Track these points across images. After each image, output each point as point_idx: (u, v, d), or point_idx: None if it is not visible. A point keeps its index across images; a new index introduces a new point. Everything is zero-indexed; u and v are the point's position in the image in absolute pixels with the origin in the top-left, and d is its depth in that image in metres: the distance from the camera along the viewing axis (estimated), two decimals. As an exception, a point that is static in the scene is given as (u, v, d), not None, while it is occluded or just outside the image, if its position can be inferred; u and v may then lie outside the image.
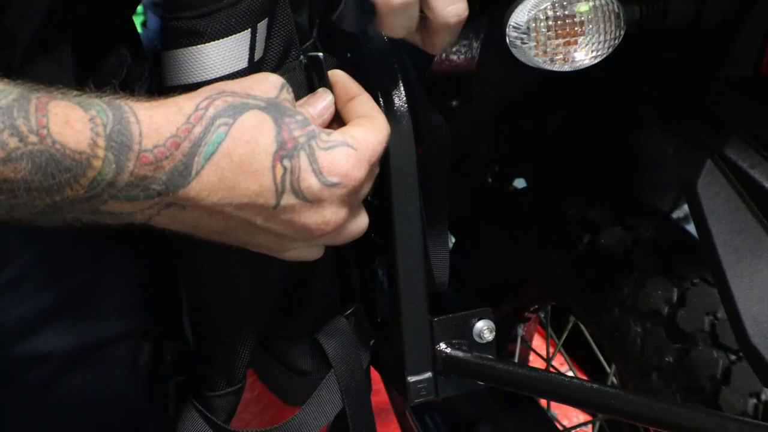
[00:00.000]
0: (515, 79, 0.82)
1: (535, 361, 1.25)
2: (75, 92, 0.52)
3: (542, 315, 1.17)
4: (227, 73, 0.59)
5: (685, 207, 0.95)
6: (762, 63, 0.71)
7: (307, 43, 0.69)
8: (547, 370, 1.15)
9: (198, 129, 0.54)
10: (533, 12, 0.63)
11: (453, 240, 1.12)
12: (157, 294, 0.81)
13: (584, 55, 0.65)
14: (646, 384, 0.83)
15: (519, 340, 1.18)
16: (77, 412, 0.80)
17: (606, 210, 0.90)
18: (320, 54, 0.67)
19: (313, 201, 0.58)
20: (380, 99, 0.71)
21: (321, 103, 0.64)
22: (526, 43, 0.64)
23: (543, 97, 0.96)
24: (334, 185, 0.58)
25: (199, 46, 0.58)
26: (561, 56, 0.65)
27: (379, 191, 0.73)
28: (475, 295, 1.03)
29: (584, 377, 1.27)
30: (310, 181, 0.57)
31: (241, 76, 0.60)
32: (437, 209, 0.77)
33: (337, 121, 0.66)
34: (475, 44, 0.81)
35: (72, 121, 0.50)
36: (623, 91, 0.87)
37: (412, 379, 0.77)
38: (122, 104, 0.52)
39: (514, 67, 0.67)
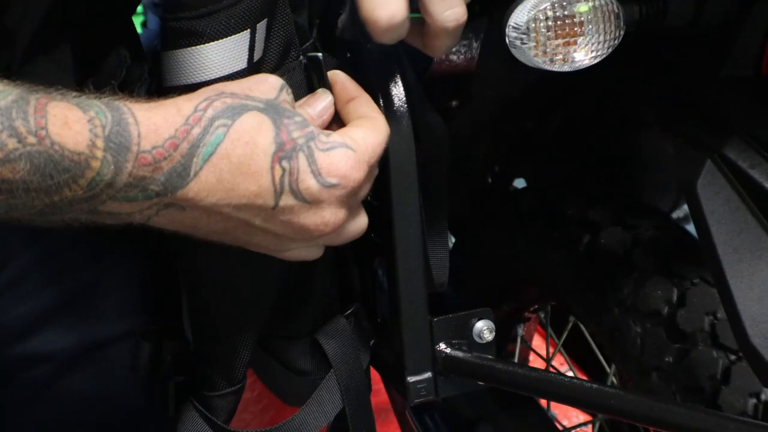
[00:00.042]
0: (515, 79, 0.82)
1: (535, 361, 1.25)
2: (74, 93, 0.52)
3: (542, 315, 1.17)
4: (226, 73, 0.59)
5: (685, 207, 0.95)
6: (762, 63, 0.71)
7: (307, 44, 0.69)
8: (547, 370, 1.15)
9: (196, 130, 0.54)
10: (533, 12, 0.63)
11: (453, 240, 1.12)
12: (157, 294, 0.81)
13: (584, 55, 0.65)
14: (646, 384, 0.83)
15: (519, 340, 1.18)
16: (77, 411, 0.80)
17: (606, 210, 0.90)
18: (320, 54, 0.67)
19: (311, 202, 0.58)
20: (380, 99, 0.71)
21: (320, 103, 0.64)
22: (525, 44, 0.64)
23: (543, 97, 0.96)
24: (332, 186, 0.58)
25: (198, 46, 0.58)
26: (561, 56, 0.65)
27: (378, 192, 0.73)
28: (475, 295, 1.03)
29: (584, 377, 1.27)
30: (309, 182, 0.57)
31: (241, 76, 0.60)
32: (437, 209, 0.77)
33: (337, 121, 0.66)
34: (475, 44, 0.81)
35: (71, 122, 0.50)
36: (623, 91, 0.87)
37: (411, 379, 0.77)
38: (121, 105, 0.52)
39: (514, 67, 0.67)
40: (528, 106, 0.98)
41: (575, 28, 0.64)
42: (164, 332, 0.80)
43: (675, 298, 0.82)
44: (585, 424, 1.28)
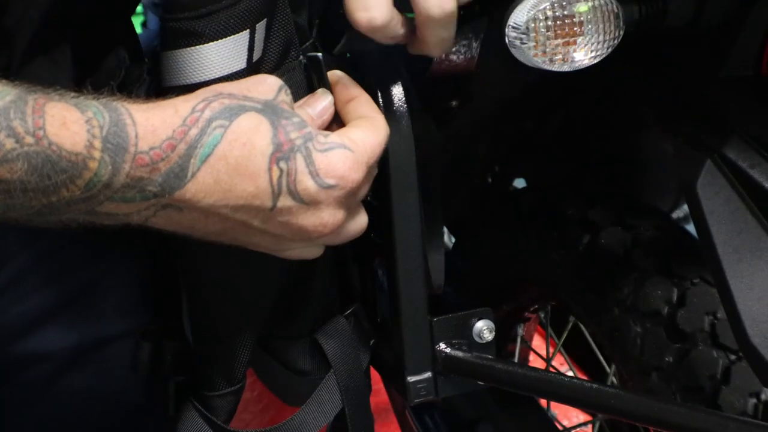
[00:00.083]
0: (515, 79, 0.82)
1: (535, 361, 1.25)
2: (72, 94, 0.52)
3: (542, 315, 1.17)
4: (226, 73, 0.59)
5: (685, 207, 0.95)
6: (762, 63, 0.71)
7: (307, 43, 0.69)
8: (547, 370, 1.15)
9: (194, 131, 0.54)
10: (532, 12, 0.63)
11: (453, 240, 1.12)
12: (157, 294, 0.81)
13: (584, 55, 0.65)
14: (646, 384, 0.83)
15: (519, 340, 1.18)
16: (77, 411, 0.80)
17: (606, 210, 0.90)
18: (319, 54, 0.67)
19: (309, 203, 0.58)
20: (380, 99, 0.71)
21: (320, 103, 0.64)
22: (525, 43, 0.64)
23: (543, 97, 0.96)
24: (330, 187, 0.58)
25: (197, 46, 0.58)
26: (560, 56, 0.65)
27: (378, 191, 0.73)
28: (475, 295, 1.03)
29: (584, 377, 1.27)
30: (307, 183, 0.57)
31: (240, 76, 0.60)
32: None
33: (337, 121, 0.66)
34: (475, 44, 0.81)
35: (68, 123, 0.50)
36: (623, 91, 0.87)
37: (411, 379, 0.77)
38: (119, 106, 0.52)
39: (514, 67, 0.67)
40: (528, 106, 0.98)
41: (575, 28, 0.64)
42: (164, 332, 0.80)
43: (675, 298, 0.82)
44: (585, 424, 1.28)
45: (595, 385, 0.73)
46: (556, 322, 1.19)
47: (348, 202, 0.60)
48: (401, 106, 0.71)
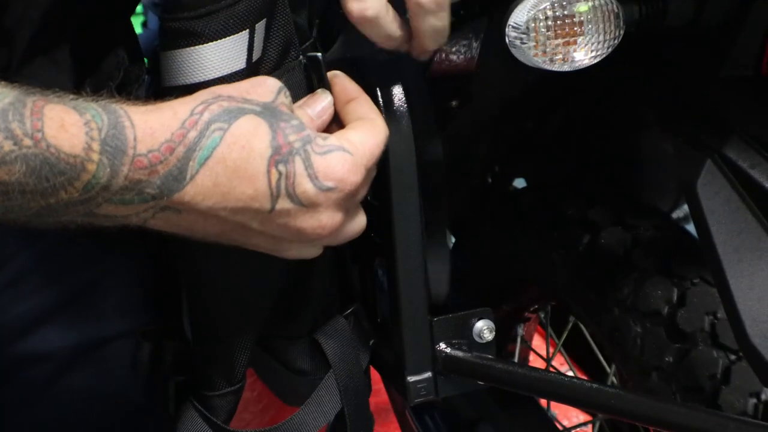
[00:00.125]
0: (515, 79, 0.82)
1: (535, 361, 1.25)
2: (71, 96, 0.52)
3: (542, 315, 1.17)
4: (225, 73, 0.59)
5: (685, 207, 0.95)
6: (762, 63, 0.71)
7: (307, 43, 0.69)
8: (547, 370, 1.15)
9: (193, 134, 0.54)
10: (532, 12, 0.63)
11: (453, 240, 1.12)
12: (157, 294, 0.81)
13: (584, 55, 0.65)
14: (646, 384, 0.83)
15: (519, 340, 1.18)
16: (77, 411, 0.80)
17: (606, 210, 0.90)
18: (319, 54, 0.67)
19: (308, 205, 0.58)
20: (380, 100, 0.70)
21: (320, 104, 0.64)
22: (525, 43, 0.64)
23: (543, 97, 0.96)
24: (329, 190, 0.58)
25: (197, 46, 0.58)
26: (560, 56, 0.65)
27: (378, 191, 0.73)
28: (475, 295, 1.03)
29: (584, 377, 1.27)
30: (306, 186, 0.57)
31: (239, 76, 0.60)
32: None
33: (336, 122, 0.66)
34: (475, 44, 0.81)
35: (67, 125, 0.50)
36: (623, 91, 0.87)
37: (412, 379, 0.77)
38: (118, 108, 0.52)
39: (514, 67, 0.67)
40: (528, 106, 0.98)
41: (575, 28, 0.64)
42: (164, 332, 0.80)
43: (675, 298, 0.82)
44: (585, 424, 1.28)
45: (595, 385, 0.72)
46: (556, 322, 1.19)
47: (346, 204, 0.60)
48: (401, 106, 0.71)
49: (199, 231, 0.58)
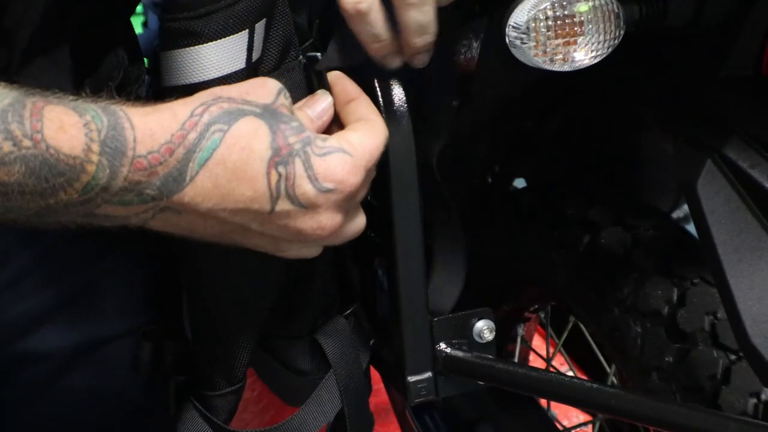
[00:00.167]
0: (515, 79, 0.82)
1: (535, 361, 1.25)
2: (71, 97, 0.52)
3: (542, 315, 1.17)
4: (225, 73, 0.59)
5: (685, 207, 0.95)
6: (762, 63, 0.71)
7: (307, 43, 0.69)
8: (547, 370, 1.15)
9: (193, 135, 0.54)
10: (533, 12, 0.63)
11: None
12: (157, 294, 0.81)
13: (584, 55, 0.65)
14: (646, 384, 0.83)
15: (519, 340, 1.18)
16: (77, 410, 0.80)
17: (606, 210, 0.90)
18: (319, 54, 0.67)
19: (308, 207, 0.58)
20: (380, 100, 0.70)
21: (320, 105, 0.64)
22: (525, 43, 0.64)
23: (543, 97, 0.96)
24: (329, 191, 0.58)
25: (196, 46, 0.58)
26: (561, 56, 0.65)
27: (378, 191, 0.73)
28: (475, 295, 1.03)
29: (584, 377, 1.27)
30: (305, 188, 0.57)
31: (239, 76, 0.60)
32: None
33: (336, 122, 0.66)
34: (475, 44, 0.81)
35: (66, 126, 0.50)
36: (623, 91, 0.87)
37: (412, 378, 0.77)
38: (117, 110, 0.52)
39: (514, 67, 0.67)
40: (528, 106, 0.98)
41: (575, 28, 0.64)
42: (165, 332, 0.80)
43: (675, 298, 0.82)
44: (585, 424, 1.28)
45: (595, 385, 0.72)
46: (556, 322, 1.19)
47: (346, 205, 0.60)
48: (401, 106, 0.71)
49: (198, 231, 0.58)
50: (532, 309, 1.13)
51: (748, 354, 0.64)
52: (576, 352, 1.25)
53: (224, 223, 0.58)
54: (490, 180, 1.11)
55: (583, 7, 0.64)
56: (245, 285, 0.72)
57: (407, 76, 0.72)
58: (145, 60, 0.79)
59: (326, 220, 0.59)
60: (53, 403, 0.78)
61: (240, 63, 0.60)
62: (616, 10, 0.65)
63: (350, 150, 0.59)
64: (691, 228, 0.79)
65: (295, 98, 0.64)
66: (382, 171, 0.68)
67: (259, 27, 0.60)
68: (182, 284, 0.75)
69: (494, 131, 0.99)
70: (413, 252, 0.75)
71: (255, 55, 0.61)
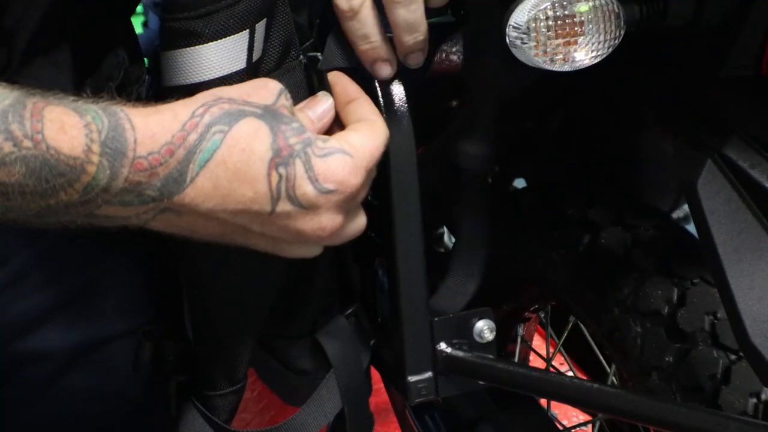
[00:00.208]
0: (515, 79, 0.82)
1: (535, 361, 1.25)
2: (71, 97, 0.52)
3: (542, 315, 1.17)
4: (225, 73, 0.59)
5: (685, 207, 0.95)
6: (762, 63, 0.71)
7: (307, 43, 0.69)
8: (547, 370, 1.15)
9: (193, 136, 0.54)
10: (533, 12, 0.63)
11: (453, 240, 1.12)
12: (157, 294, 0.81)
13: (584, 55, 0.65)
14: (646, 384, 0.83)
15: (519, 340, 1.18)
16: (77, 410, 0.80)
17: (606, 210, 0.90)
18: (319, 54, 0.67)
19: (308, 208, 0.58)
20: (380, 100, 0.70)
21: (321, 106, 0.64)
22: (526, 43, 0.64)
23: (543, 97, 0.96)
24: (329, 192, 0.58)
25: (197, 46, 0.58)
26: (561, 56, 0.65)
27: (379, 191, 0.73)
28: (476, 295, 1.03)
29: (584, 377, 1.27)
30: (306, 189, 0.57)
31: (240, 76, 0.60)
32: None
33: (337, 122, 0.66)
34: (474, 45, 0.81)
35: (67, 127, 0.50)
36: (623, 91, 0.87)
37: (412, 378, 0.77)
38: (118, 110, 0.53)
39: (515, 67, 0.67)
40: (528, 106, 0.98)
41: (575, 28, 0.64)
42: (165, 332, 0.80)
43: (675, 298, 0.82)
44: (585, 424, 1.28)
45: (595, 385, 0.73)
46: (556, 322, 1.19)
47: (347, 206, 0.61)
48: (401, 106, 0.71)
49: (199, 232, 0.58)
50: (532, 309, 1.13)
51: (748, 354, 0.64)
52: (576, 352, 1.25)
53: (225, 223, 0.58)
54: (490, 180, 1.11)
55: (583, 7, 0.64)
56: (246, 285, 0.72)
57: (408, 76, 0.72)
58: (146, 60, 0.79)
59: (327, 221, 0.59)
60: (53, 403, 0.78)
61: (240, 63, 0.60)
62: (617, 10, 0.65)
63: (351, 151, 0.59)
64: (691, 228, 0.79)
65: (296, 98, 0.64)
66: (382, 171, 0.68)
67: (260, 27, 0.61)
68: (183, 284, 0.75)
69: (494, 131, 0.99)
70: (413, 252, 0.75)
71: (255, 55, 0.61)
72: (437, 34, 0.71)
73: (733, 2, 0.69)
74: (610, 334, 0.87)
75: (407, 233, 0.74)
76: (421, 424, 1.13)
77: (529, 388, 0.78)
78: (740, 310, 0.64)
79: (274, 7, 0.62)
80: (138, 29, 1.56)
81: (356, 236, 0.65)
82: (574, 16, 0.64)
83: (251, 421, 1.59)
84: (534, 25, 0.63)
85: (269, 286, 0.73)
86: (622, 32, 0.66)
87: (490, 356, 0.79)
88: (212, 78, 0.59)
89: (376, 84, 0.71)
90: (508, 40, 0.65)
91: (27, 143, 0.49)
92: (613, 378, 1.08)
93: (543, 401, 1.17)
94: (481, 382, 0.80)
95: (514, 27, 0.64)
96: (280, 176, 0.56)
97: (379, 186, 0.71)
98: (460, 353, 0.78)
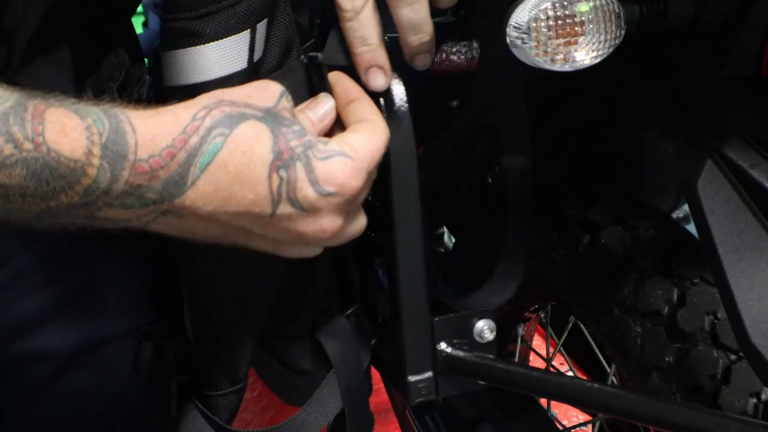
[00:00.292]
0: (515, 79, 0.82)
1: (535, 361, 1.25)
2: (73, 100, 0.52)
3: (542, 315, 1.17)
4: (226, 73, 0.59)
5: (685, 207, 0.95)
6: (762, 63, 0.71)
7: (308, 43, 0.69)
8: (547, 370, 1.15)
9: (194, 139, 0.54)
10: (534, 12, 0.63)
11: (453, 240, 1.12)
12: (157, 294, 0.81)
13: (585, 54, 0.65)
14: (646, 384, 0.83)
15: (519, 340, 1.18)
16: (77, 411, 0.80)
17: (606, 210, 0.90)
18: (320, 54, 0.67)
19: (309, 210, 0.58)
20: (381, 100, 0.70)
21: (322, 108, 0.64)
22: (526, 43, 0.64)
23: (543, 97, 0.96)
24: (330, 195, 0.58)
25: (198, 46, 0.58)
26: (561, 56, 0.65)
27: (379, 191, 0.73)
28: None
29: (584, 377, 1.27)
30: (307, 191, 0.57)
31: (241, 76, 0.60)
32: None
33: (337, 122, 0.66)
34: (475, 44, 0.81)
35: (68, 130, 0.50)
36: (623, 91, 0.87)
37: (412, 378, 0.77)
38: (119, 113, 0.53)
39: (515, 67, 0.67)
40: (528, 106, 0.98)
41: (576, 28, 0.64)
42: (166, 332, 0.80)
43: (675, 297, 0.82)
44: (585, 424, 1.28)
45: (595, 385, 0.73)
46: (556, 322, 1.19)
47: (347, 208, 0.61)
48: (402, 106, 0.71)
49: (200, 234, 0.58)
50: (532, 309, 1.13)
51: (749, 354, 0.64)
52: (576, 352, 1.25)
53: (225, 226, 0.58)
54: (490, 180, 1.11)
55: (583, 7, 0.64)
56: (246, 285, 0.72)
57: (408, 76, 0.72)
58: (146, 60, 0.79)
59: (327, 223, 0.59)
60: (53, 403, 0.78)
61: (242, 63, 0.60)
62: (617, 10, 0.65)
63: (351, 153, 0.59)
64: (691, 228, 0.79)
65: (297, 98, 0.64)
66: (382, 171, 0.68)
67: (261, 27, 0.61)
68: (183, 284, 0.75)
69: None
70: (413, 252, 0.75)
71: (257, 56, 0.61)
72: (437, 34, 0.71)
73: (733, 2, 0.69)
74: (610, 334, 0.87)
75: (407, 233, 0.74)
76: (421, 424, 1.13)
77: (529, 388, 0.78)
78: (740, 310, 0.64)
79: (276, 7, 0.62)
80: (138, 29, 1.56)
81: (357, 236, 0.65)
82: (575, 16, 0.64)
83: (251, 421, 1.59)
84: (534, 24, 0.63)
85: (269, 286, 0.73)
86: (623, 32, 0.66)
87: (490, 356, 0.79)
88: (213, 78, 0.59)
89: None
90: (508, 40, 0.65)
91: (28, 145, 0.49)
92: (613, 378, 1.08)
93: (543, 401, 1.17)
94: (481, 382, 0.80)
95: (514, 27, 0.64)
96: (281, 179, 0.57)
97: (380, 186, 0.71)
98: (460, 353, 0.78)
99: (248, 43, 0.60)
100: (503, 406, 1.09)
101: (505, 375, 0.77)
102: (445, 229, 1.26)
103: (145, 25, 1.71)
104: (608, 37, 0.65)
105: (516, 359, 1.18)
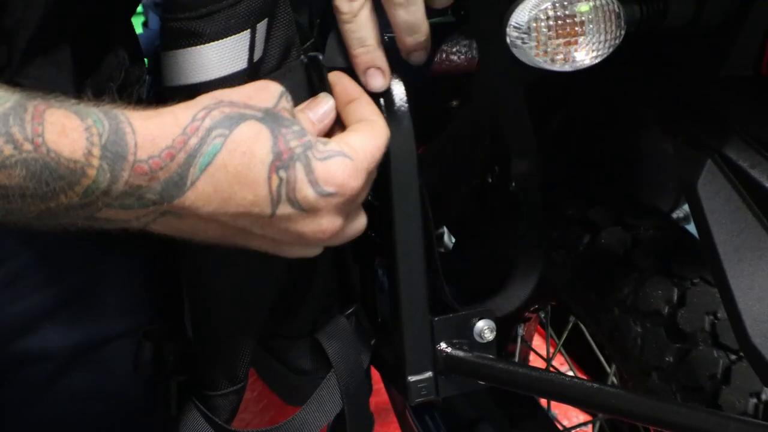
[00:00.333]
0: (516, 79, 0.82)
1: (535, 361, 1.25)
2: (73, 100, 0.52)
3: (542, 315, 1.17)
4: (226, 73, 0.59)
5: (685, 207, 0.95)
6: (762, 63, 0.71)
7: (308, 43, 0.69)
8: (547, 370, 1.15)
9: (194, 140, 0.54)
10: (534, 12, 0.63)
11: (453, 240, 1.12)
12: (157, 294, 0.81)
13: (585, 54, 0.65)
14: (646, 384, 0.83)
15: (519, 340, 1.18)
16: (77, 410, 0.80)
17: (606, 210, 0.90)
18: (320, 54, 0.67)
19: (309, 210, 0.58)
20: (381, 100, 0.71)
21: (322, 108, 0.64)
22: (526, 43, 0.64)
23: (543, 97, 0.96)
24: (330, 195, 0.58)
25: (198, 46, 0.58)
26: (561, 56, 0.65)
27: (379, 191, 0.73)
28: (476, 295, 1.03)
29: (584, 377, 1.27)
30: (306, 192, 0.57)
31: (241, 76, 0.60)
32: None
33: (337, 122, 0.66)
34: (475, 44, 0.81)
35: (67, 130, 0.50)
36: (623, 91, 0.87)
37: (412, 378, 0.77)
38: (119, 114, 0.53)
39: (515, 67, 0.67)
40: (528, 106, 0.98)
41: (576, 28, 0.64)
42: (165, 332, 0.80)
43: (675, 298, 0.82)
44: (585, 424, 1.28)
45: (595, 385, 0.73)
46: (556, 322, 1.19)
47: (347, 208, 0.61)
48: (402, 106, 0.71)
49: (199, 234, 0.58)
50: (532, 309, 1.13)
51: (749, 354, 0.64)
52: (576, 352, 1.25)
53: (225, 226, 0.58)
54: (490, 180, 1.11)
55: (584, 7, 0.64)
56: (246, 285, 0.72)
57: (408, 76, 0.72)
58: (146, 60, 0.79)
59: (327, 224, 0.59)
60: (53, 403, 0.78)
61: (242, 63, 0.60)
62: (617, 10, 0.65)
63: (351, 153, 0.59)
64: (691, 228, 0.79)
65: (297, 98, 0.64)
66: (382, 171, 0.68)
67: (261, 27, 0.61)
68: (183, 284, 0.75)
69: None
70: (413, 252, 0.75)
71: (257, 55, 0.61)
72: (437, 34, 0.71)
73: (733, 2, 0.69)
74: (610, 334, 0.87)
75: (407, 233, 0.74)
76: (421, 424, 1.13)
77: (529, 388, 0.78)
78: (740, 310, 0.64)
79: (276, 7, 0.62)
80: (138, 29, 1.56)
81: (356, 236, 0.65)
82: (575, 16, 0.64)
83: (251, 421, 1.59)
84: (535, 25, 0.63)
85: (269, 286, 0.73)
86: (623, 32, 0.66)
87: (491, 356, 0.79)
88: (213, 78, 0.59)
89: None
90: (508, 40, 0.65)
91: (27, 146, 0.49)
92: (613, 378, 1.08)
93: (543, 401, 1.17)
94: (481, 382, 0.80)
95: (514, 27, 0.64)
96: (281, 179, 0.57)
97: (380, 186, 0.71)
98: (460, 353, 0.78)
99: (248, 43, 0.60)
100: (503, 406, 1.09)
101: (505, 375, 0.77)
102: (445, 229, 1.26)
103: (145, 25, 1.71)
104: (608, 37, 0.65)
105: (516, 359, 1.18)
